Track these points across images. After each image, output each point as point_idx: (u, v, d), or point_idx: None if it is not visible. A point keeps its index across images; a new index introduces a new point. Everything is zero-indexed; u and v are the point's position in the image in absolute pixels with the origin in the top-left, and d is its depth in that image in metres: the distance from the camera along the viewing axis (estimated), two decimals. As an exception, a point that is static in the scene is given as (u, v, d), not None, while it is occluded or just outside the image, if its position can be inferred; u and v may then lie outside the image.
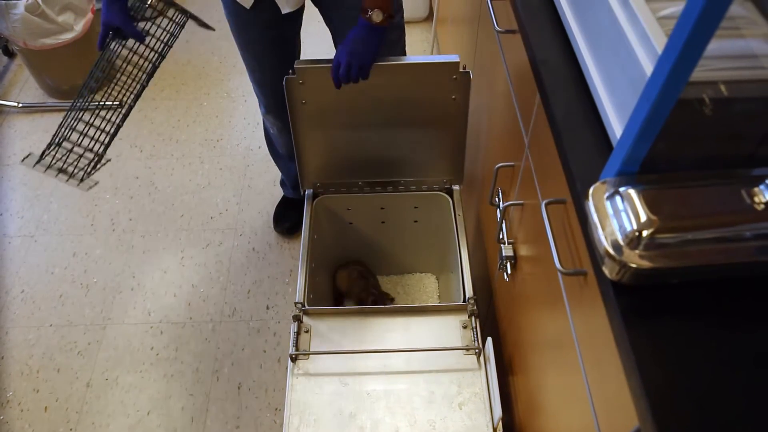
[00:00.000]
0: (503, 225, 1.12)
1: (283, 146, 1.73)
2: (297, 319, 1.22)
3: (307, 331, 1.22)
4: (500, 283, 1.25)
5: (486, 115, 1.34)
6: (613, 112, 0.67)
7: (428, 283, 1.73)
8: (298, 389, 1.14)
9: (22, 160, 1.21)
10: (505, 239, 1.11)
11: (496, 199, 1.18)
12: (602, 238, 0.53)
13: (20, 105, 2.37)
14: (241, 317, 1.72)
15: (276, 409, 1.55)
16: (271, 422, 1.52)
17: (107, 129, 1.23)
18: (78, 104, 1.21)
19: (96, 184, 1.27)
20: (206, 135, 2.22)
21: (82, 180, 1.24)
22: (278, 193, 1.99)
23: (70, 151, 1.20)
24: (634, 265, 0.51)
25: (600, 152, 0.70)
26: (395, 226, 1.57)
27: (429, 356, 1.18)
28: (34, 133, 2.28)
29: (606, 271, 0.55)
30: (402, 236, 1.60)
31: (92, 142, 1.22)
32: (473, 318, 1.21)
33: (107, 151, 1.24)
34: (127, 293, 1.79)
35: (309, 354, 1.17)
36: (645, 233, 0.50)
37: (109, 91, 1.21)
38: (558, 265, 0.73)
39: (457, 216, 1.41)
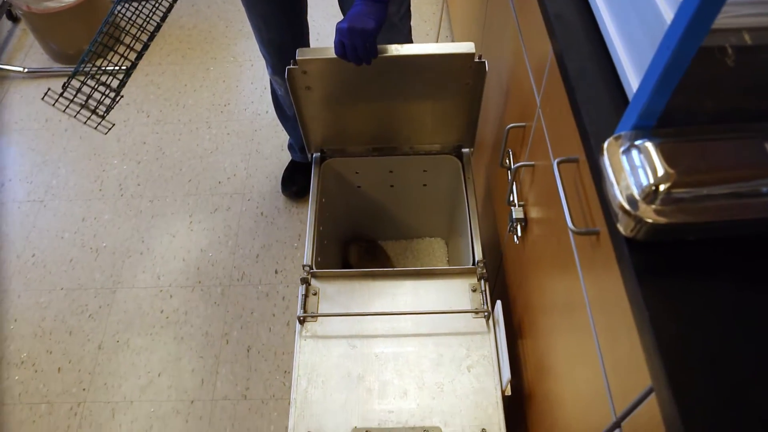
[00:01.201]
0: (514, 187, 1.10)
1: (291, 108, 1.71)
2: (305, 281, 1.22)
3: (315, 294, 1.22)
4: (510, 246, 1.24)
5: (496, 75, 1.31)
6: (629, 66, 0.64)
7: (437, 248, 1.72)
8: (306, 351, 1.15)
9: (43, 97, 1.23)
10: (516, 201, 1.10)
11: (507, 160, 1.15)
12: (617, 193, 0.51)
13: (26, 70, 2.35)
14: (250, 281, 1.73)
15: (285, 372, 1.56)
16: (280, 384, 1.54)
17: (123, 65, 1.25)
18: (92, 50, 1.22)
19: (113, 126, 1.31)
20: (213, 100, 2.20)
21: (103, 117, 1.29)
22: (286, 158, 1.97)
23: (90, 84, 1.23)
24: (650, 221, 0.49)
25: (615, 108, 0.67)
26: (404, 190, 1.55)
27: (437, 319, 1.17)
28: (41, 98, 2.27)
29: (620, 227, 0.54)
30: (411, 200, 1.59)
31: (109, 78, 1.25)
32: (482, 281, 1.20)
33: (122, 90, 1.26)
34: (136, 257, 1.79)
35: (317, 316, 1.17)
36: (662, 187, 0.48)
37: (118, 46, 1.22)
38: (570, 225, 0.71)
39: (467, 179, 1.39)
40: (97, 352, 1.61)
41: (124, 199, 1.93)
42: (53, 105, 1.25)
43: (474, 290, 1.21)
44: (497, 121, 1.32)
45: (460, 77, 1.22)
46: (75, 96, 1.27)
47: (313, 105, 1.29)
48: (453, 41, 2.26)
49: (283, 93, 1.67)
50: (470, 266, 1.23)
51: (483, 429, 1.05)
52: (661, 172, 0.49)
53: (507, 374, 1.05)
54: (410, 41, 1.65)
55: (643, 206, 0.50)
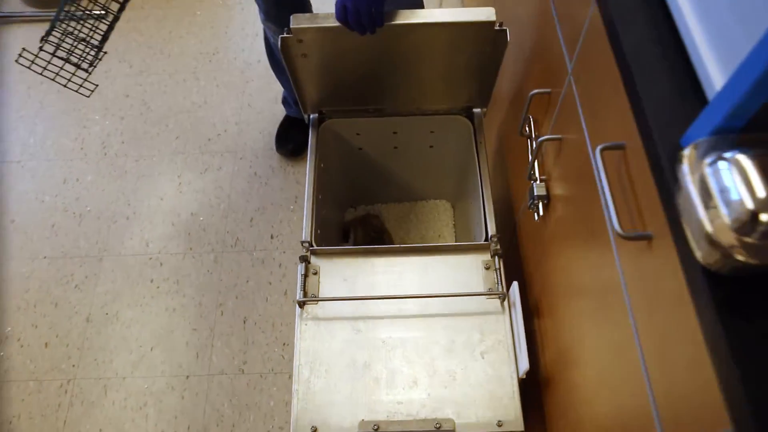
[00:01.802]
0: (535, 161, 0.99)
1: (287, 57, 1.56)
2: (304, 259, 1.12)
3: (315, 273, 1.12)
4: (527, 221, 1.13)
5: (514, 32, 1.17)
6: (708, 52, 0.52)
7: (443, 211, 1.62)
8: (307, 337, 1.06)
9: (17, 59, 1.11)
10: (537, 176, 0.99)
11: (527, 128, 1.04)
12: (701, 215, 0.41)
13: (-5, 14, 2.17)
14: (244, 247, 1.63)
15: (284, 344, 1.49)
16: (279, 357, 1.47)
17: (105, 18, 1.13)
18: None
19: (96, 87, 1.21)
20: (200, 48, 2.03)
21: (88, 72, 1.19)
22: (280, 112, 1.83)
23: (68, 42, 1.12)
24: (741, 259, 0.39)
25: (679, 96, 0.56)
26: (409, 152, 1.43)
27: (449, 299, 1.08)
28: (13, 46, 2.10)
29: (698, 255, 0.43)
30: (416, 162, 1.47)
31: (90, 32, 1.13)
32: (497, 258, 1.11)
33: (105, 44, 1.14)
34: (122, 222, 1.69)
35: (318, 300, 1.08)
36: (764, 217, 0.38)
37: None
38: (617, 228, 0.61)
39: (478, 143, 1.27)
40: (85, 325, 1.53)
41: (108, 159, 1.80)
42: (29, 68, 1.12)
43: (487, 268, 1.12)
44: (514, 82, 1.19)
45: (477, 45, 1.09)
46: (53, 56, 1.14)
47: (309, 71, 1.16)
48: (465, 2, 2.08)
49: (277, 42, 1.52)
50: (482, 242, 1.13)
51: (499, 421, 0.98)
52: (762, 194, 0.38)
53: (525, 364, 0.97)
54: (421, 6, 1.50)
55: (733, 238, 0.39)
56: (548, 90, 0.94)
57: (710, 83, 0.50)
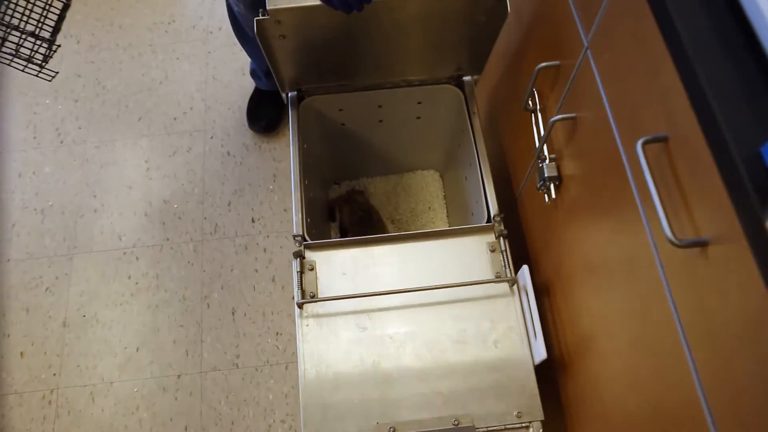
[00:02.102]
0: (540, 138, 0.92)
1: (253, 28, 1.43)
2: (298, 255, 1.05)
3: (312, 269, 1.05)
4: (530, 199, 1.07)
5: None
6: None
7: (431, 182, 1.55)
8: (309, 339, 1.00)
9: None
10: (547, 156, 0.92)
11: (530, 103, 0.96)
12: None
13: None
14: (225, 234, 1.54)
15: (277, 333, 1.42)
16: (273, 348, 1.41)
17: (54, 6, 1.03)
18: None
19: (57, 74, 1.10)
20: (154, 17, 1.87)
21: (41, 66, 1.08)
22: (249, 84, 1.71)
23: (18, 31, 1.00)
24: None
25: (749, 84, 0.49)
26: (395, 125, 1.35)
27: (453, 282, 1.03)
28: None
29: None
30: (402, 134, 1.39)
31: (38, 26, 1.02)
32: (502, 239, 1.05)
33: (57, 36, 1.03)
34: (90, 216, 1.57)
35: (318, 301, 1.01)
36: None
37: None
38: (669, 236, 0.55)
39: (471, 113, 1.19)
40: (62, 330, 1.44)
41: (65, 147, 1.67)
42: None
43: (493, 250, 1.06)
44: (510, 47, 1.10)
45: (471, 15, 1.00)
46: (1, 49, 1.03)
47: (287, 51, 1.05)
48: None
49: (241, 10, 1.38)
50: (485, 224, 1.07)
51: (518, 412, 0.95)
52: None
53: (542, 353, 0.93)
54: None
55: None
56: (557, 62, 0.86)
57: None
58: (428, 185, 1.54)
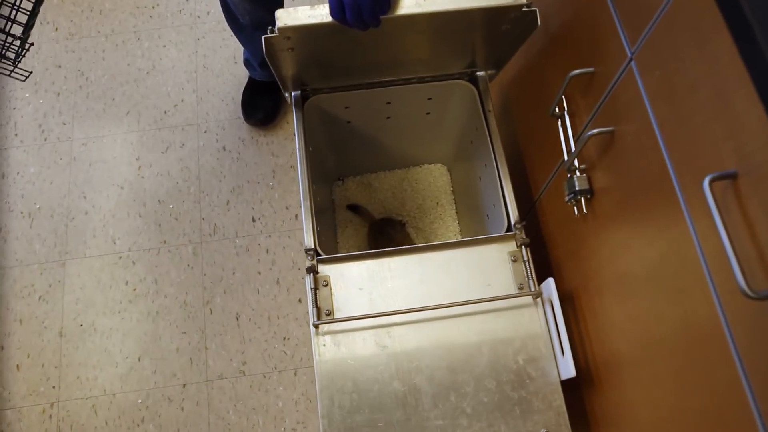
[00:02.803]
0: (569, 147, 0.87)
1: (246, 13, 1.35)
2: (312, 270, 0.99)
3: (326, 285, 1.00)
4: (551, 206, 1.03)
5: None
6: None
7: (438, 176, 1.49)
8: (327, 359, 0.95)
9: None
10: (577, 167, 0.87)
11: (557, 109, 0.90)
12: None
13: None
14: (225, 234, 1.48)
15: (284, 338, 1.38)
16: (280, 354, 1.37)
17: (24, 5, 0.96)
18: None
19: (31, 73, 1.03)
20: (137, 1, 1.76)
21: (15, 63, 1.01)
22: (242, 73, 1.63)
23: None
24: None
25: None
26: (403, 121, 1.28)
27: (475, 296, 0.99)
28: None
29: None
30: (410, 130, 1.33)
31: (7, 24, 0.95)
32: (524, 248, 1.01)
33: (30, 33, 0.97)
34: (81, 218, 1.49)
35: (334, 321, 0.96)
36: None
37: None
38: (743, 286, 0.50)
39: (486, 112, 1.13)
40: (59, 340, 1.38)
41: (50, 145, 1.58)
42: None
43: (515, 260, 1.02)
44: (530, 47, 1.03)
45: (496, 23, 0.93)
46: None
47: (295, 61, 0.98)
48: None
49: (238, -2, 1.30)
50: (505, 233, 1.03)
51: (546, 430, 0.92)
52: None
53: (571, 371, 0.90)
54: None
55: None
56: (591, 69, 0.80)
57: None
58: (435, 180, 1.48)
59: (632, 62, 0.70)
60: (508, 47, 1.02)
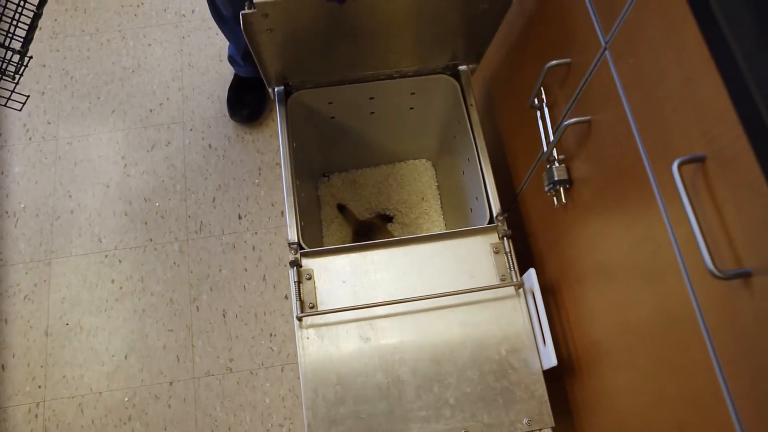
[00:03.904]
0: (548, 138, 0.88)
1: (228, 5, 1.35)
2: (295, 264, 1.00)
3: (309, 278, 1.01)
4: (532, 198, 1.04)
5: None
6: None
7: (423, 171, 1.50)
8: (311, 352, 0.96)
9: None
10: (556, 157, 0.88)
11: (536, 100, 0.91)
12: None
13: None
14: (211, 232, 1.48)
15: (271, 335, 1.38)
16: (267, 350, 1.37)
17: (22, 19, 0.95)
18: None
19: (28, 98, 1.02)
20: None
21: (16, 80, 1.01)
22: (227, 71, 1.63)
23: None
24: None
25: None
26: (387, 116, 1.29)
27: (458, 287, 0.99)
28: None
29: None
30: (394, 125, 1.33)
31: (6, 39, 0.94)
32: (506, 240, 1.02)
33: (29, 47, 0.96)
34: (66, 218, 1.49)
35: (317, 314, 0.97)
36: None
37: None
38: (711, 267, 0.51)
39: (468, 106, 1.14)
40: (44, 339, 1.37)
41: (35, 144, 1.57)
42: None
43: (497, 251, 1.03)
44: (508, 38, 1.04)
45: (472, 2, 0.93)
46: None
47: (274, 45, 0.98)
48: None
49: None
50: (487, 225, 1.03)
51: (529, 420, 0.93)
52: None
53: (552, 360, 0.91)
54: None
55: None
56: (567, 60, 0.81)
57: None
58: (420, 175, 1.49)
59: (606, 51, 0.71)
60: (488, 30, 1.02)
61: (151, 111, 1.60)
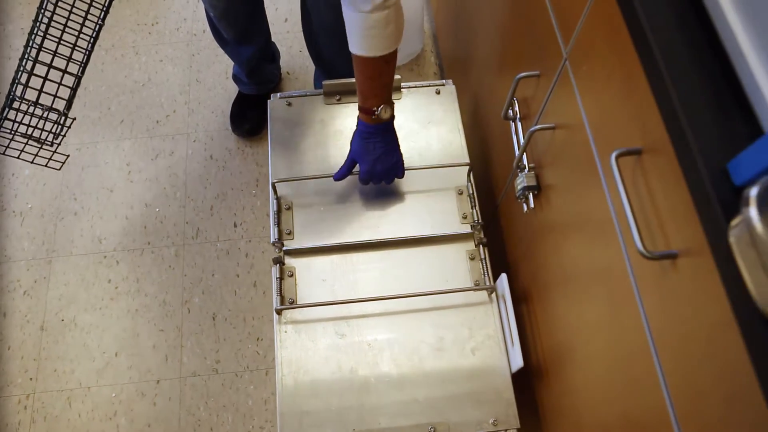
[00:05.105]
0: (520, 147, 0.93)
1: (228, 28, 1.43)
2: (278, 261, 1.04)
3: (291, 275, 1.05)
4: (510, 207, 1.08)
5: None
6: (758, 63, 0.46)
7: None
8: (288, 345, 0.99)
9: None
10: (526, 164, 0.92)
11: (510, 112, 0.97)
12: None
13: None
14: (207, 238, 1.53)
15: (258, 339, 1.42)
16: (253, 354, 1.40)
17: (65, 81, 0.97)
18: (28, 54, 0.92)
19: (68, 157, 1.08)
20: (138, 18, 1.86)
21: (54, 144, 1.02)
22: (232, 88, 1.71)
23: (31, 112, 0.94)
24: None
25: (718, 102, 0.50)
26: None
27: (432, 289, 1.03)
28: None
29: (761, 303, 0.38)
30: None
31: (52, 99, 0.96)
32: (482, 247, 1.06)
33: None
34: (70, 219, 1.55)
35: (296, 307, 1.01)
36: None
37: (61, 36, 0.92)
38: (639, 247, 0.55)
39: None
40: (40, 334, 1.42)
41: (45, 149, 1.64)
42: None
43: (472, 258, 1.07)
44: (491, 56, 1.11)
45: None
46: (13, 129, 0.98)
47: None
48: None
49: (216, 15, 1.38)
50: (465, 232, 1.08)
51: (494, 420, 0.95)
52: None
53: (519, 361, 0.94)
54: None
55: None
56: (536, 72, 0.87)
57: (760, 96, 0.44)
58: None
59: (567, 62, 0.76)
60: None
61: (157, 122, 1.68)
